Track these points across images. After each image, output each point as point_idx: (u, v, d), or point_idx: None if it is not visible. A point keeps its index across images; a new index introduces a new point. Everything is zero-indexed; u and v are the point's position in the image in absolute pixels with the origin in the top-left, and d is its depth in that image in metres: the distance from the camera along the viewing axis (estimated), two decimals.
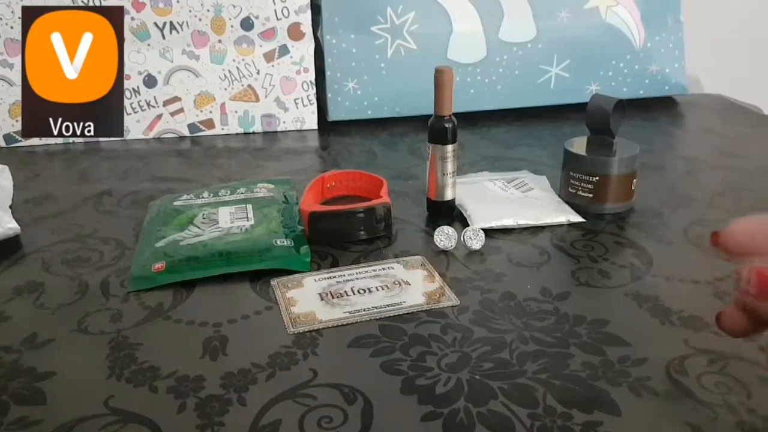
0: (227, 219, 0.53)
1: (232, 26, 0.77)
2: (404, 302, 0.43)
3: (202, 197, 0.57)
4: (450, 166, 0.54)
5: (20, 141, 0.75)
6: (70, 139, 0.75)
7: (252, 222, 0.52)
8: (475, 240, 0.50)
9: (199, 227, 0.51)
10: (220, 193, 0.58)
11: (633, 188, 0.57)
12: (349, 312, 0.42)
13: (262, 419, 0.33)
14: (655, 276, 0.47)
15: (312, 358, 0.38)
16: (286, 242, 0.49)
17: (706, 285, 0.45)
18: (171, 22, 0.76)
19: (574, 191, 0.56)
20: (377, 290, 0.45)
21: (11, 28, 0.73)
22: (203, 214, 0.54)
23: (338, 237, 0.51)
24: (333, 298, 0.44)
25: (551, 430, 0.33)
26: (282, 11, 0.78)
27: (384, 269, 0.47)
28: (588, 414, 0.33)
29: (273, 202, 0.56)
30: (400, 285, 0.45)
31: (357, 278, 0.46)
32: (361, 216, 0.51)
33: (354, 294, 0.44)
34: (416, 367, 0.37)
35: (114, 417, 0.33)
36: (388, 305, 0.43)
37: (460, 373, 0.36)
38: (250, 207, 0.55)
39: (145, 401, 0.35)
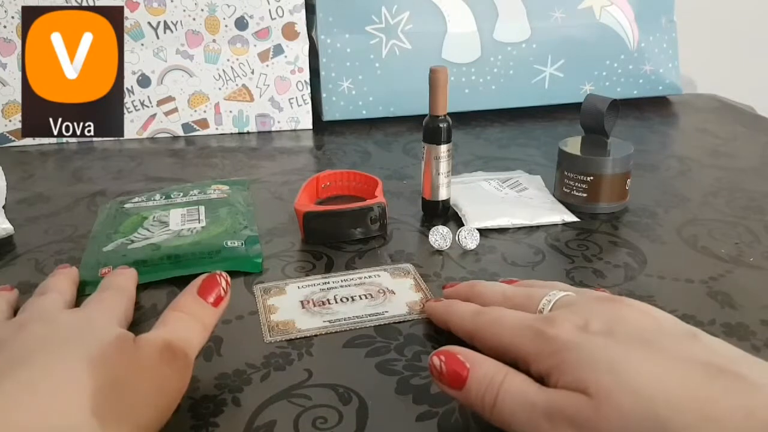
0: (178, 221, 0.52)
1: (226, 26, 0.77)
2: (386, 312, 0.42)
3: (154, 199, 0.57)
4: (445, 166, 0.54)
5: (13, 141, 0.75)
6: (64, 139, 0.75)
7: (203, 224, 0.52)
8: (469, 240, 0.50)
9: (149, 230, 0.51)
10: (172, 195, 0.57)
11: (627, 188, 0.57)
12: (329, 321, 0.41)
13: (256, 420, 0.33)
14: (649, 275, 0.47)
15: (307, 358, 0.38)
16: (237, 244, 0.49)
17: (700, 284, 0.45)
18: (165, 22, 0.75)
19: (568, 191, 0.57)
20: (360, 299, 0.44)
21: (4, 27, 0.72)
22: (154, 217, 0.53)
23: (333, 237, 0.51)
24: (314, 306, 0.43)
25: None
26: (276, 11, 0.78)
27: (370, 277, 0.46)
28: None
29: (226, 203, 0.55)
30: (385, 294, 0.44)
31: (342, 286, 0.45)
32: (356, 216, 0.51)
33: (336, 302, 0.43)
34: (411, 366, 0.37)
35: None
36: (369, 315, 0.42)
37: None
38: (202, 209, 0.54)
39: None
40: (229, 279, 0.37)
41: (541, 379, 0.31)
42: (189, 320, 0.35)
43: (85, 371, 0.29)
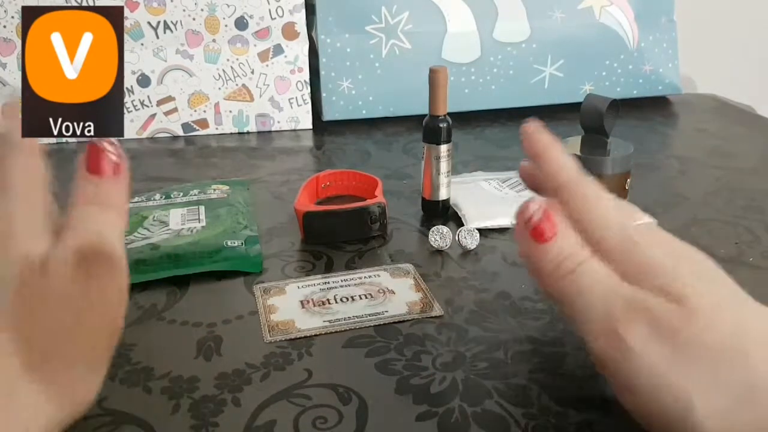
0: (178, 221, 0.52)
1: (226, 26, 0.77)
2: (386, 312, 0.42)
3: (154, 199, 0.57)
4: (444, 166, 0.54)
5: None
6: (64, 139, 0.75)
7: (204, 224, 0.52)
8: (469, 239, 0.50)
9: (148, 230, 0.51)
10: (172, 195, 0.57)
11: (627, 188, 0.57)
12: (329, 321, 0.41)
13: (256, 420, 0.33)
14: None
15: (307, 358, 0.38)
16: (237, 244, 0.49)
17: None
18: (164, 22, 0.75)
19: None
20: (360, 298, 0.44)
21: (4, 27, 0.72)
22: (153, 216, 0.53)
23: (333, 237, 0.51)
24: (314, 306, 0.43)
25: (546, 429, 0.33)
26: (276, 11, 0.78)
27: (370, 276, 0.46)
28: (583, 413, 0.34)
29: (226, 203, 0.55)
30: (385, 293, 0.44)
31: (342, 285, 0.45)
32: (356, 216, 0.51)
33: (336, 302, 0.43)
34: (411, 366, 0.37)
35: (108, 417, 0.33)
36: (369, 314, 0.42)
37: (455, 373, 0.36)
38: (202, 208, 0.54)
39: (140, 402, 0.35)
40: (114, 141, 0.31)
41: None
42: (93, 210, 0.30)
43: None
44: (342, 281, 0.46)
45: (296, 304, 0.43)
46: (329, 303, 0.43)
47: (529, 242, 0.31)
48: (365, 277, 0.46)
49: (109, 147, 0.31)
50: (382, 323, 0.41)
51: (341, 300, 0.44)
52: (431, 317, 0.42)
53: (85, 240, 0.28)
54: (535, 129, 0.37)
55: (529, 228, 0.31)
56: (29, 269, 0.27)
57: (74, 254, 0.27)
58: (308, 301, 0.43)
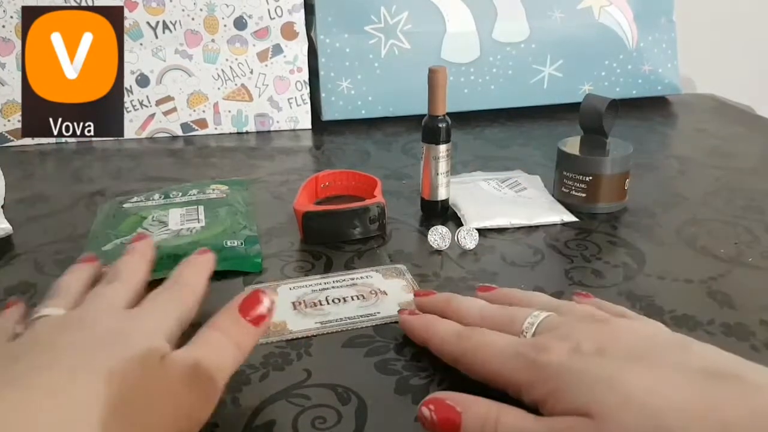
0: (177, 221, 0.52)
1: (225, 25, 0.77)
2: (378, 313, 0.42)
3: (153, 199, 0.57)
4: (444, 166, 0.54)
5: (12, 141, 0.75)
6: (63, 139, 0.75)
7: (203, 224, 0.52)
8: (468, 240, 0.50)
9: (148, 230, 0.51)
10: (171, 195, 0.57)
11: (626, 188, 0.57)
12: (321, 322, 0.41)
13: (255, 420, 0.33)
14: (649, 275, 0.47)
15: (306, 358, 0.38)
16: (237, 243, 0.49)
17: (700, 284, 0.46)
18: (164, 21, 0.75)
19: (567, 191, 0.57)
20: (353, 300, 0.43)
21: (3, 27, 0.72)
22: (153, 216, 0.53)
23: (332, 237, 0.51)
24: (306, 307, 0.43)
25: None
26: (275, 11, 0.78)
27: (362, 278, 0.46)
28: None
29: (226, 203, 0.55)
30: (377, 294, 0.44)
31: (334, 287, 0.45)
32: (355, 216, 0.51)
33: (329, 303, 0.43)
34: (410, 366, 0.37)
35: None
36: (361, 316, 0.42)
37: (454, 373, 0.36)
38: (201, 208, 0.54)
39: None
40: (275, 298, 0.34)
41: (535, 408, 0.30)
42: (222, 340, 0.32)
43: (102, 385, 0.28)
44: (335, 282, 0.46)
45: (288, 306, 0.43)
46: (321, 304, 0.43)
47: None
48: (358, 278, 0.46)
49: (267, 302, 0.34)
50: (374, 324, 0.41)
51: (333, 301, 0.43)
52: None
53: (203, 358, 0.31)
54: (403, 321, 0.40)
55: (438, 429, 0.31)
56: (154, 355, 0.30)
57: (189, 363, 0.30)
58: (300, 303, 0.43)
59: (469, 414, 0.30)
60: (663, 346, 0.30)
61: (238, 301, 0.34)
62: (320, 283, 0.45)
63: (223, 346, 0.32)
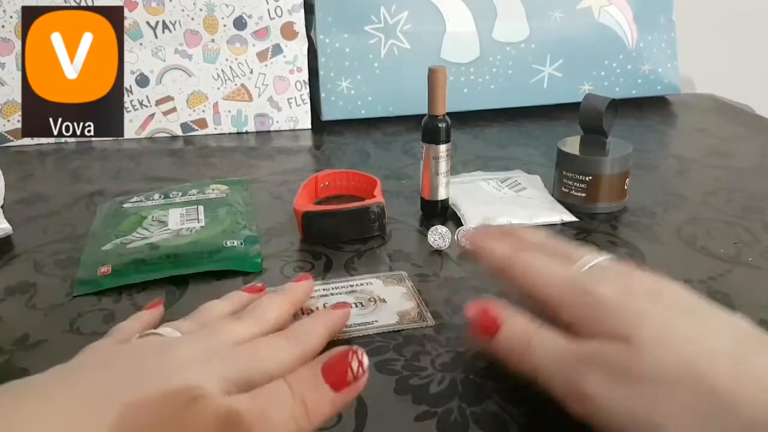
0: (177, 221, 0.52)
1: (224, 25, 0.77)
2: (376, 321, 0.41)
3: (153, 199, 0.57)
4: (443, 166, 0.54)
5: (11, 141, 0.75)
6: (63, 139, 0.75)
7: (203, 224, 0.52)
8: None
9: (147, 229, 0.51)
10: (171, 195, 0.57)
11: (626, 187, 0.57)
12: None
13: None
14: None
15: None
16: (236, 243, 0.49)
17: (699, 284, 0.46)
18: (163, 21, 0.75)
19: (567, 191, 0.57)
20: (351, 307, 0.42)
21: (3, 27, 0.72)
22: (153, 216, 0.53)
23: (332, 237, 0.51)
24: (303, 314, 0.42)
25: (545, 429, 0.33)
26: (275, 10, 0.78)
27: (361, 285, 0.45)
28: None
29: (225, 203, 0.55)
30: (375, 302, 0.43)
31: (333, 293, 0.44)
32: (355, 216, 0.51)
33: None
34: (410, 366, 0.37)
35: None
36: (358, 324, 0.41)
37: (454, 373, 0.36)
38: (201, 208, 0.54)
39: None
40: (366, 360, 0.30)
41: (570, 328, 0.32)
42: (287, 397, 0.28)
43: (115, 415, 0.26)
44: (333, 288, 0.45)
45: None
46: (319, 311, 0.42)
47: (481, 340, 0.34)
48: (357, 284, 0.46)
49: (355, 365, 0.29)
50: (369, 333, 0.40)
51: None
52: (421, 328, 0.41)
53: (253, 409, 0.27)
54: (464, 234, 0.42)
55: (475, 328, 0.34)
56: (183, 394, 0.27)
57: (227, 412, 0.27)
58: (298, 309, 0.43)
59: (508, 329, 0.33)
60: (708, 309, 0.31)
61: (324, 356, 0.30)
62: (319, 290, 0.45)
63: (285, 405, 0.28)
